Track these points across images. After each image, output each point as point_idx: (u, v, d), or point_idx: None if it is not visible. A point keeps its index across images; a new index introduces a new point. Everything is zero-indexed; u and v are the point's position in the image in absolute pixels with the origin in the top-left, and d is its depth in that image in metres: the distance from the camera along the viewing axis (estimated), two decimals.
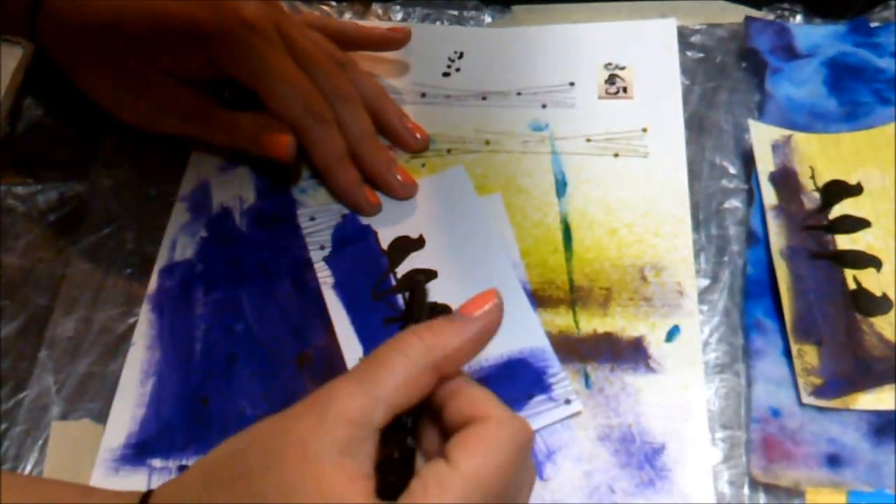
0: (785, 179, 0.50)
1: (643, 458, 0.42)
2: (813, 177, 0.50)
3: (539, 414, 0.43)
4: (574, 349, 0.46)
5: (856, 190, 0.49)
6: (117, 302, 0.49)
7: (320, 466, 0.32)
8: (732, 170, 0.52)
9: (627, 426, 0.43)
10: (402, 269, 0.49)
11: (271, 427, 0.34)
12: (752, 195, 0.50)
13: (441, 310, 0.47)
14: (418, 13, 0.61)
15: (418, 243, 0.50)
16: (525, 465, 0.34)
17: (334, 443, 0.32)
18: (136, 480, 0.43)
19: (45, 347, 0.48)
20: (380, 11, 0.61)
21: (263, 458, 0.33)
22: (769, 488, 0.41)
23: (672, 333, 0.46)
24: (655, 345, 0.45)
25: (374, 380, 0.33)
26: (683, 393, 0.44)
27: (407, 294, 0.48)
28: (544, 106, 0.55)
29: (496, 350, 0.45)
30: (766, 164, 0.50)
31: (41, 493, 0.36)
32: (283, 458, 0.32)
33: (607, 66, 0.56)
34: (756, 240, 0.48)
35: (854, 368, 0.43)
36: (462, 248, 0.49)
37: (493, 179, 0.52)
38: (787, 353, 0.44)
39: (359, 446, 0.32)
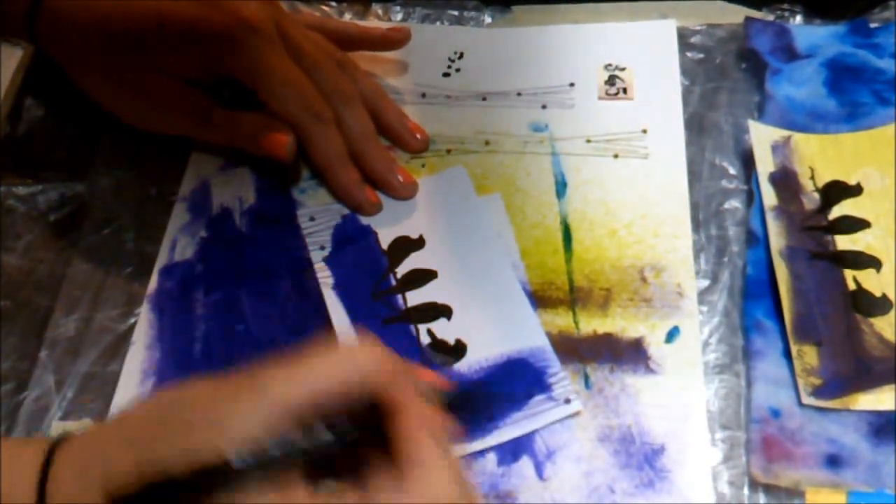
0: (785, 180, 0.50)
1: (643, 458, 0.42)
2: (813, 177, 0.50)
3: (539, 413, 0.43)
4: (574, 350, 0.46)
5: (856, 190, 0.49)
6: (117, 302, 0.49)
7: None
8: (732, 170, 0.52)
9: (627, 427, 0.43)
10: (402, 269, 0.49)
11: (200, 387, 0.34)
12: (751, 196, 0.50)
13: (441, 310, 0.47)
14: (418, 13, 0.61)
15: (418, 243, 0.50)
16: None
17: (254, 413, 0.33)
18: None
19: (46, 347, 0.48)
20: (380, 11, 0.61)
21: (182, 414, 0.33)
22: (769, 488, 0.41)
23: (672, 334, 0.46)
24: (655, 345, 0.46)
25: (305, 365, 0.34)
26: (683, 394, 0.44)
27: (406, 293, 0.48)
28: (544, 106, 0.55)
29: (496, 350, 0.45)
30: (765, 165, 0.50)
31: None
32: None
33: (607, 66, 0.56)
34: (756, 240, 0.48)
35: (854, 369, 0.43)
36: (462, 248, 0.49)
37: (493, 180, 0.52)
38: (787, 353, 0.44)
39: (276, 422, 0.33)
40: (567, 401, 0.44)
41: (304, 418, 0.33)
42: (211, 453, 0.32)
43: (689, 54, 0.57)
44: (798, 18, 0.58)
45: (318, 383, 0.34)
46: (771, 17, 0.58)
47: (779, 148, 0.51)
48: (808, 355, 0.44)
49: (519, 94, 0.56)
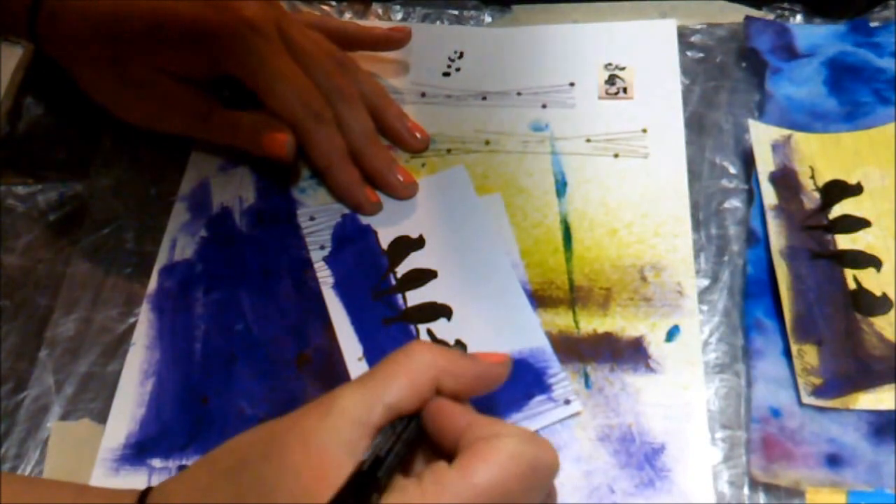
0: (785, 179, 0.50)
1: (643, 458, 0.42)
2: (813, 177, 0.50)
3: (539, 414, 0.43)
4: (574, 349, 0.46)
5: (856, 190, 0.49)
6: (117, 302, 0.49)
7: (321, 455, 0.32)
8: (732, 170, 0.52)
9: (627, 426, 0.43)
10: (402, 269, 0.49)
11: (274, 424, 0.35)
12: (752, 195, 0.50)
13: (441, 309, 0.47)
14: (418, 13, 0.61)
15: (418, 243, 0.50)
16: (538, 488, 0.34)
17: (336, 435, 0.33)
18: (136, 480, 0.43)
19: (45, 347, 0.48)
20: (380, 11, 0.61)
21: (266, 449, 0.33)
22: (769, 488, 0.41)
23: (672, 333, 0.46)
24: (655, 345, 0.45)
25: (377, 381, 0.34)
26: (683, 393, 0.44)
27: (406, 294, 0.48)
28: (544, 106, 0.55)
29: (496, 350, 0.45)
30: (766, 164, 0.50)
31: (38, 493, 0.37)
32: (285, 447, 0.33)
33: (607, 66, 0.56)
34: (756, 240, 0.48)
35: (854, 368, 0.43)
36: (462, 248, 0.49)
37: (493, 179, 0.52)
38: (787, 353, 0.44)
39: (357, 442, 0.33)
40: (567, 401, 0.44)
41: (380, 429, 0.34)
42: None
43: (689, 54, 0.57)
44: (798, 18, 0.58)
45: (393, 395, 0.34)
46: (771, 17, 0.58)
47: (779, 147, 0.51)
48: (808, 355, 0.44)
49: (519, 94, 0.56)
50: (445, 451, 0.35)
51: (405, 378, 0.35)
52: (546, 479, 0.35)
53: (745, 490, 0.41)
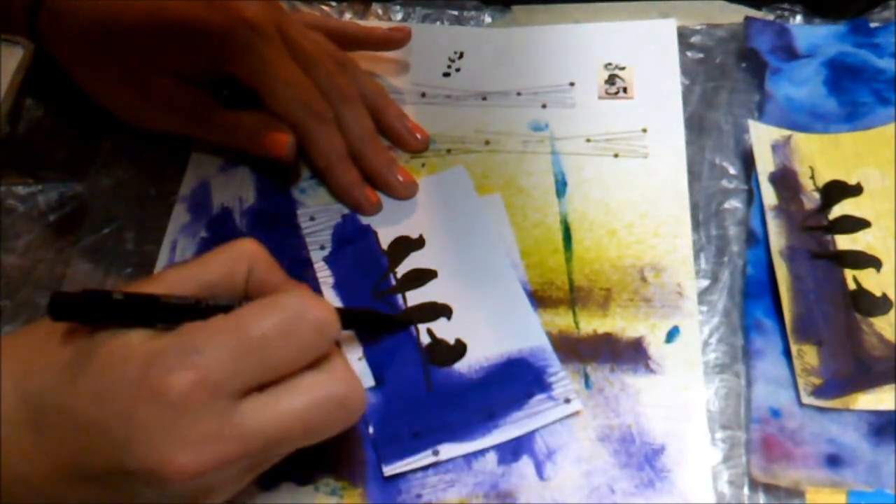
0: (785, 180, 0.50)
1: (643, 458, 0.42)
2: (813, 177, 0.50)
3: (539, 413, 0.43)
4: (574, 349, 0.46)
5: (856, 190, 0.49)
6: None
7: None
8: (732, 170, 0.52)
9: (627, 427, 0.43)
10: (402, 269, 0.49)
11: None
12: (751, 195, 0.50)
13: (441, 309, 0.47)
14: (418, 13, 0.61)
15: (418, 243, 0.50)
16: (298, 335, 0.36)
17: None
18: None
19: None
20: (380, 11, 0.61)
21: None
22: (769, 488, 0.41)
23: (672, 334, 0.46)
24: (655, 345, 0.46)
25: (197, 262, 0.39)
26: (683, 394, 0.44)
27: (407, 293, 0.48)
28: (544, 106, 0.55)
29: (496, 349, 0.45)
30: (765, 165, 0.50)
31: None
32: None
33: (607, 66, 0.56)
34: (756, 240, 0.48)
35: (854, 368, 0.43)
36: (462, 248, 0.49)
37: (493, 179, 0.52)
38: (787, 353, 0.44)
39: None
40: (567, 400, 0.44)
41: None
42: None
43: (689, 54, 0.57)
44: (798, 18, 0.58)
45: (208, 275, 0.38)
46: (771, 17, 0.58)
47: (779, 147, 0.51)
48: (808, 355, 0.44)
49: (519, 94, 0.56)
50: None
51: (222, 263, 0.38)
52: (309, 332, 0.36)
53: (745, 490, 0.41)
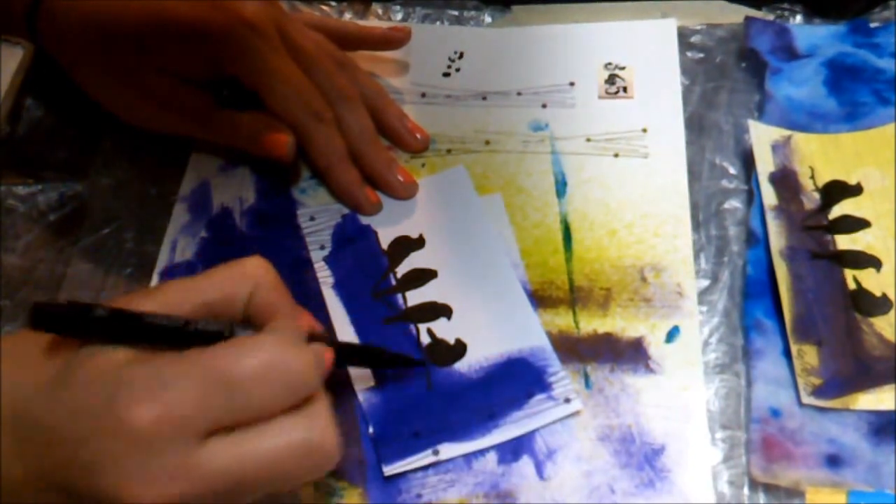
0: (785, 180, 0.50)
1: (643, 458, 0.42)
2: (813, 177, 0.50)
3: (539, 413, 0.43)
4: (574, 349, 0.46)
5: (856, 190, 0.49)
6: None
7: None
8: (732, 170, 0.52)
9: (627, 427, 0.43)
10: (402, 269, 0.49)
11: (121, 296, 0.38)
12: (751, 195, 0.50)
13: (441, 309, 0.47)
14: (418, 13, 0.61)
15: (418, 243, 0.50)
16: (276, 384, 0.34)
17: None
18: None
19: None
20: (380, 11, 0.61)
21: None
22: (769, 488, 0.41)
23: (672, 334, 0.46)
24: (655, 345, 0.46)
25: (199, 280, 0.38)
26: (683, 394, 0.44)
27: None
28: (544, 106, 0.55)
29: (496, 349, 0.45)
30: (765, 165, 0.50)
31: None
32: None
33: (607, 66, 0.56)
34: (756, 240, 0.48)
35: (854, 368, 0.43)
36: (462, 248, 0.49)
37: (493, 179, 0.52)
38: (787, 353, 0.44)
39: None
40: (567, 400, 0.44)
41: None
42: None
43: (689, 54, 0.57)
44: (798, 18, 0.58)
45: (208, 295, 0.37)
46: (771, 17, 0.58)
47: (779, 147, 0.51)
48: (808, 355, 0.44)
49: (519, 94, 0.56)
50: None
51: (225, 283, 0.38)
52: (283, 382, 0.35)
53: (745, 490, 0.41)
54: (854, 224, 0.48)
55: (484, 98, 0.56)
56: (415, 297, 0.48)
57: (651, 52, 0.57)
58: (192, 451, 0.33)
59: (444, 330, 0.46)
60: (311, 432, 0.35)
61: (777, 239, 0.48)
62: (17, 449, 0.34)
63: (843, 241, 0.47)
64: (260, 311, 0.38)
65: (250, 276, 0.38)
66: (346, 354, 0.43)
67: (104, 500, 0.33)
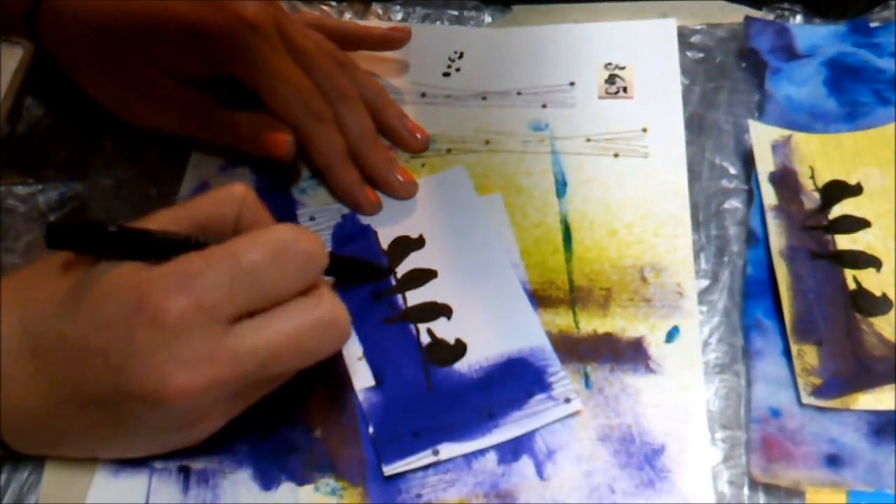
0: (785, 179, 0.50)
1: (643, 458, 0.42)
2: (813, 177, 0.50)
3: (539, 412, 0.43)
4: (574, 349, 0.46)
5: (856, 190, 0.49)
6: None
7: None
8: (732, 170, 0.52)
9: (627, 427, 0.43)
10: (402, 269, 0.49)
11: None
12: (751, 195, 0.50)
13: (441, 309, 0.47)
14: (418, 13, 0.61)
15: (418, 243, 0.50)
16: (289, 263, 0.37)
17: None
18: (137, 482, 0.43)
19: None
20: (380, 11, 0.61)
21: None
22: (769, 488, 0.41)
23: (672, 334, 0.46)
24: (655, 345, 0.46)
25: (191, 203, 0.41)
26: (683, 394, 0.44)
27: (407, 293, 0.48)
28: (544, 106, 0.55)
29: (496, 349, 0.45)
30: (765, 165, 0.50)
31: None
32: None
33: (607, 66, 0.56)
34: (756, 240, 0.48)
35: (854, 368, 0.43)
36: (462, 248, 0.49)
37: (493, 179, 0.52)
38: (787, 353, 0.44)
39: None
40: (567, 400, 0.44)
41: None
42: None
43: (689, 54, 0.57)
44: (798, 18, 0.58)
45: (200, 215, 0.40)
46: (771, 17, 0.58)
47: (779, 147, 0.51)
48: (808, 355, 0.44)
49: (519, 94, 0.56)
50: None
51: (213, 204, 0.40)
52: (299, 261, 0.38)
53: (745, 490, 0.41)
54: (854, 224, 0.48)
55: (484, 98, 0.56)
56: (415, 297, 0.48)
57: (651, 52, 0.57)
58: (223, 336, 0.36)
59: (443, 330, 0.46)
60: (324, 310, 0.38)
61: (777, 239, 0.48)
62: (39, 371, 0.36)
63: (843, 241, 0.47)
64: (248, 226, 0.41)
65: (236, 197, 0.41)
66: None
67: (143, 395, 0.35)
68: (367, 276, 0.48)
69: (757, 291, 0.47)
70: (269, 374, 0.38)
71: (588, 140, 0.53)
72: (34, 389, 0.37)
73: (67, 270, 0.38)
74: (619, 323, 0.46)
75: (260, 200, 0.42)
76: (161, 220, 0.39)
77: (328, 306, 0.38)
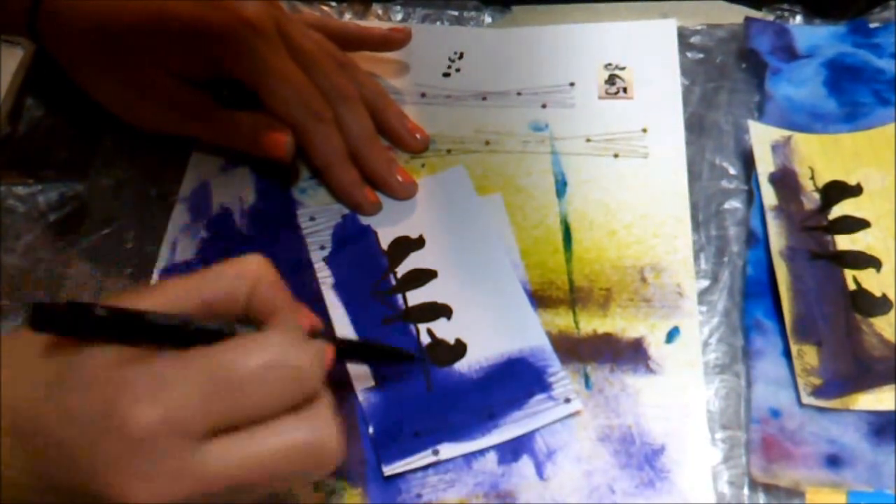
0: (785, 180, 0.50)
1: (643, 458, 0.42)
2: (813, 177, 0.50)
3: (539, 412, 0.43)
4: (574, 350, 0.46)
5: (856, 190, 0.49)
6: None
7: None
8: (732, 170, 0.52)
9: (627, 427, 0.43)
10: (402, 269, 0.49)
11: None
12: (751, 196, 0.50)
13: (441, 309, 0.47)
14: (418, 13, 0.61)
15: (418, 243, 0.50)
16: (280, 382, 0.34)
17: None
18: None
19: None
20: (380, 11, 0.61)
21: None
22: (769, 488, 0.41)
23: (672, 334, 0.46)
24: (655, 346, 0.46)
25: (199, 276, 0.38)
26: (683, 394, 0.44)
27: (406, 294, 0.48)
28: (544, 106, 0.55)
29: (496, 349, 0.45)
30: (765, 165, 0.50)
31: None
32: None
33: (607, 66, 0.56)
34: (756, 240, 0.48)
35: (854, 369, 0.43)
36: (462, 248, 0.49)
37: (493, 179, 0.52)
38: (787, 353, 0.44)
39: None
40: (567, 400, 0.44)
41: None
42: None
43: (689, 54, 0.57)
44: (798, 18, 0.58)
45: (208, 292, 0.37)
46: (771, 17, 0.58)
47: (779, 148, 0.51)
48: (808, 355, 0.44)
49: (519, 94, 0.56)
50: None
51: (225, 280, 0.37)
52: (286, 380, 0.34)
53: (745, 490, 0.41)
54: (854, 224, 0.48)
55: (484, 98, 0.56)
56: (415, 298, 0.48)
57: (651, 52, 0.57)
58: (194, 453, 0.33)
59: (443, 330, 0.46)
60: (313, 432, 0.34)
61: (777, 239, 0.48)
62: (16, 450, 0.34)
63: (843, 242, 0.47)
64: (260, 308, 0.38)
65: (250, 273, 0.38)
66: (345, 350, 0.43)
67: (103, 500, 0.33)
68: (396, 360, 0.45)
69: (757, 292, 0.47)
70: (242, 497, 0.35)
71: (588, 140, 0.53)
72: (10, 465, 0.34)
73: (52, 349, 0.35)
74: (619, 323, 0.46)
75: (277, 275, 0.39)
76: (167, 293, 0.36)
77: (320, 428, 0.35)
